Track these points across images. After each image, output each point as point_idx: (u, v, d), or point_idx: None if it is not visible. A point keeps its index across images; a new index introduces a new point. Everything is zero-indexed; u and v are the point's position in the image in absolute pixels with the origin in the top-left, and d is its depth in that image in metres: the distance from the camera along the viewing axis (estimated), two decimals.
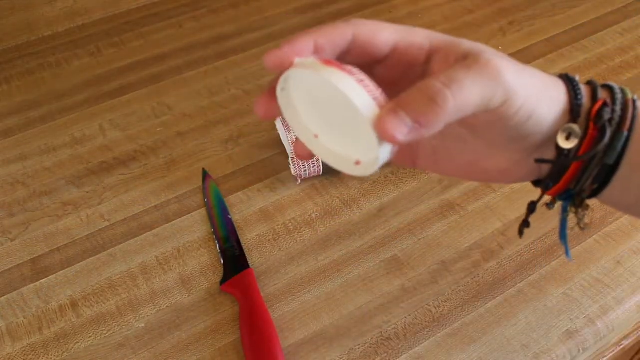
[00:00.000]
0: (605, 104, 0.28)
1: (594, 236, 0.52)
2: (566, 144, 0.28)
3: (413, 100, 0.24)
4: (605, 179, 0.29)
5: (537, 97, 0.27)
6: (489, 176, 0.31)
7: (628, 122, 0.27)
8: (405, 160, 0.33)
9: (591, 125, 0.27)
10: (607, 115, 0.27)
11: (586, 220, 0.31)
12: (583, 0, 0.81)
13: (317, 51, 0.27)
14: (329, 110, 0.28)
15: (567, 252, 0.35)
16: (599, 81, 0.70)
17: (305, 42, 0.27)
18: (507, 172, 0.31)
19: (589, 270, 0.50)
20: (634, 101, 0.28)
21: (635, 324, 0.49)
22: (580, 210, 0.30)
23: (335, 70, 0.26)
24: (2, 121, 0.67)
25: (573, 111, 0.28)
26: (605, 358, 0.49)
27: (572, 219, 0.32)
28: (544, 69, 0.70)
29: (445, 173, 0.33)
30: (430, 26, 0.78)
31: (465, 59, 0.26)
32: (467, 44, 0.27)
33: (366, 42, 0.28)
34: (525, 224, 0.35)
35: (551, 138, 0.29)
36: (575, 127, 0.28)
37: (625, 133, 0.27)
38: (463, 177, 0.33)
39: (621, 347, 0.50)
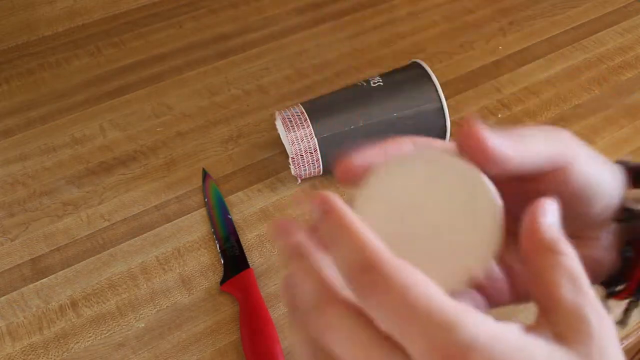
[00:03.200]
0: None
1: None
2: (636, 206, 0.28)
3: None
4: None
5: (602, 164, 0.27)
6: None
7: None
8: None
9: None
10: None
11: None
12: (583, 0, 0.81)
13: None
14: (429, 213, 0.23)
15: None
16: (599, 81, 0.70)
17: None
18: (600, 262, 0.29)
19: None
20: None
21: (635, 324, 0.49)
22: None
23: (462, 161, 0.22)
24: (2, 121, 0.67)
25: (634, 177, 0.28)
26: None
27: None
28: (544, 69, 0.71)
29: None
30: (430, 26, 0.78)
31: None
32: None
33: None
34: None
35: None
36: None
37: None
38: None
39: (621, 346, 0.50)
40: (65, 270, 0.52)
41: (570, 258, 0.21)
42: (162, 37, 0.78)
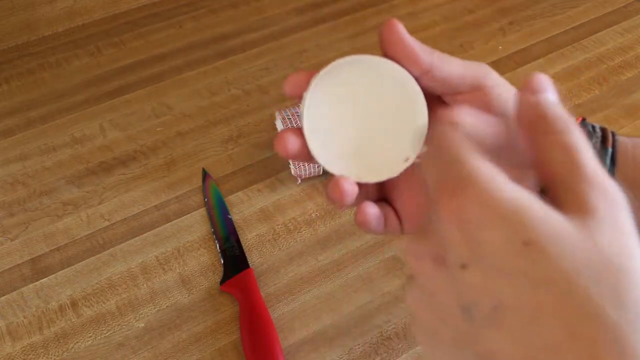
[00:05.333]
0: (584, 120, 0.30)
1: None
2: None
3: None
4: None
5: None
6: None
7: (610, 140, 0.29)
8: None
9: None
10: (588, 126, 0.30)
11: None
12: (583, 0, 0.81)
13: None
14: (367, 108, 0.28)
15: None
16: (599, 81, 0.70)
17: None
18: None
19: None
20: (606, 128, 0.31)
21: None
22: None
23: (389, 61, 0.27)
24: (2, 121, 0.67)
25: None
26: None
27: None
28: (544, 69, 0.70)
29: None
30: (430, 26, 0.78)
31: None
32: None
33: None
34: None
35: None
36: None
37: (610, 149, 0.29)
38: None
39: None
40: (65, 270, 0.52)
41: (568, 135, 0.22)
42: (162, 37, 0.78)
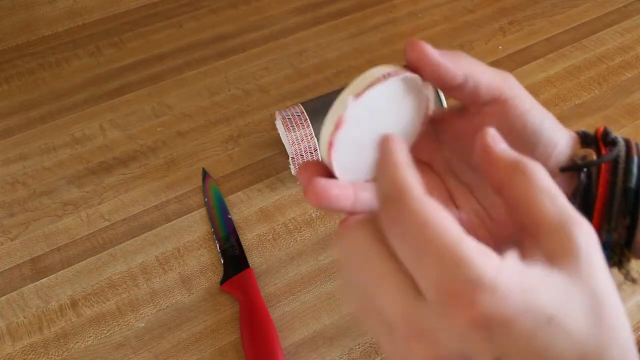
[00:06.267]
0: (606, 128, 0.30)
1: None
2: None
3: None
4: (634, 208, 0.29)
5: (544, 112, 0.29)
6: None
7: (634, 148, 0.29)
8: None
9: (601, 145, 0.29)
10: (611, 134, 0.29)
11: (634, 274, 0.30)
12: (583, 0, 0.81)
13: None
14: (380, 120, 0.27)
15: None
16: (599, 81, 0.69)
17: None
18: None
19: None
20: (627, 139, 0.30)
21: (635, 324, 0.49)
22: (624, 262, 0.30)
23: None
24: (2, 121, 0.67)
25: (583, 139, 0.30)
26: None
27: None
28: (544, 69, 0.70)
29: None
30: (430, 26, 0.78)
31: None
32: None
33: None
34: None
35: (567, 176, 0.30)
36: (590, 150, 0.29)
37: (636, 157, 0.29)
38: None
39: None
40: (65, 270, 0.52)
41: (541, 174, 0.22)
42: (162, 37, 0.78)
